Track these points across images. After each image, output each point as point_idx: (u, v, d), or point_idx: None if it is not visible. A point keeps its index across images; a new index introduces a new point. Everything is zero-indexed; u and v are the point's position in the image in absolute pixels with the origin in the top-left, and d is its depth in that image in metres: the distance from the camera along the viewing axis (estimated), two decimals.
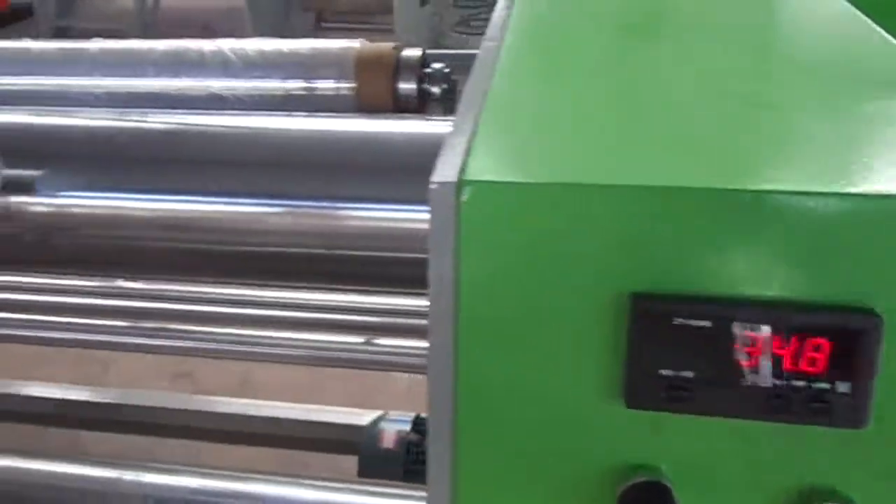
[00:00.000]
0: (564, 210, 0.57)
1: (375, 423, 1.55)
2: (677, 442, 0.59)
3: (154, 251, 1.35)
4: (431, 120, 1.23)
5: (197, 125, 1.35)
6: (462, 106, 0.71)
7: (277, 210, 1.21)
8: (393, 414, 1.59)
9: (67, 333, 2.00)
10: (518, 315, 0.59)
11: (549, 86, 0.78)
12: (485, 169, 0.59)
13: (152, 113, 1.41)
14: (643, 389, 0.57)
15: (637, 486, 0.59)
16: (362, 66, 1.38)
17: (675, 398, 0.57)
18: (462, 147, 0.62)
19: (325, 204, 1.16)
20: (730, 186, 0.56)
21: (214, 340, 2.04)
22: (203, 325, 1.96)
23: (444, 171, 0.59)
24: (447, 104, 1.28)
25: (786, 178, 0.58)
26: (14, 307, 1.84)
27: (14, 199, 1.31)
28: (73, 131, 1.38)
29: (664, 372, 0.57)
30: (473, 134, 0.64)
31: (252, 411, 1.99)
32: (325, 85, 1.40)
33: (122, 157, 1.34)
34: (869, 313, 0.54)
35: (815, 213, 0.54)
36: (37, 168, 1.32)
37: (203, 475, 1.63)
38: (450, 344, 0.60)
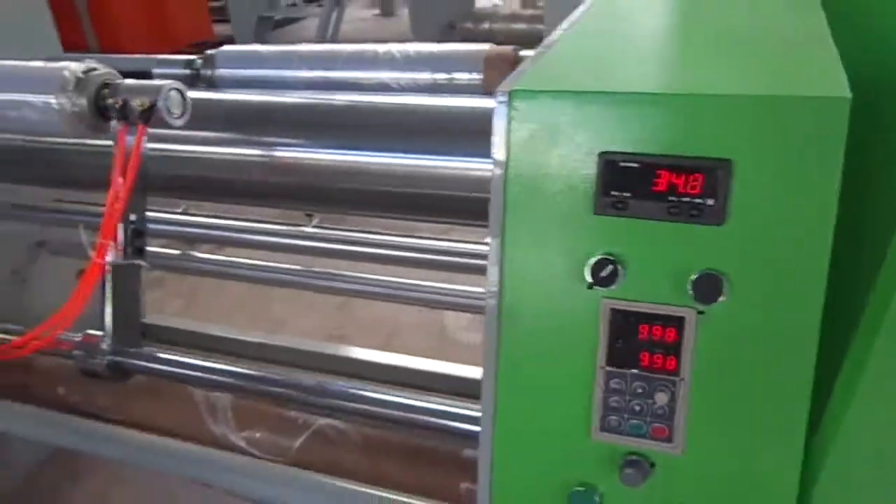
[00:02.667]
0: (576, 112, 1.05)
1: None
2: (625, 236, 1.06)
3: (347, 193, 1.90)
4: None
5: (369, 102, 1.90)
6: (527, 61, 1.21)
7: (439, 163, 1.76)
8: None
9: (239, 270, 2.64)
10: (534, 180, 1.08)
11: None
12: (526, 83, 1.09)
13: (338, 93, 1.98)
14: (604, 203, 1.05)
15: (599, 261, 1.06)
16: (489, 63, 1.92)
17: (620, 208, 1.04)
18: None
19: None
20: (661, 91, 1.03)
21: (368, 284, 2.61)
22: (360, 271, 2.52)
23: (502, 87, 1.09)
24: None
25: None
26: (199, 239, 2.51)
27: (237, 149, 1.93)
28: (285, 105, 1.97)
29: (615, 193, 1.04)
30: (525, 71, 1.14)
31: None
32: (462, 76, 1.94)
33: (320, 124, 1.92)
34: (724, 161, 1.00)
35: (689, 108, 1.01)
36: (260, 133, 1.92)
37: None
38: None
